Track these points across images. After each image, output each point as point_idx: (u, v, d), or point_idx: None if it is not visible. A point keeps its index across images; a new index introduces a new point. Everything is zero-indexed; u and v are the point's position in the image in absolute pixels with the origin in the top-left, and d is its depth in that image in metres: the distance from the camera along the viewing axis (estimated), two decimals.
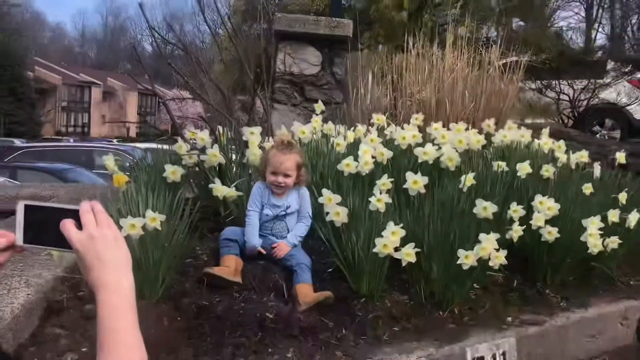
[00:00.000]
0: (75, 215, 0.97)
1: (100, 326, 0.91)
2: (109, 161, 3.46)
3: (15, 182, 7.94)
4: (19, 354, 2.15)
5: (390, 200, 2.90)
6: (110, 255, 0.95)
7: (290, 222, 2.93)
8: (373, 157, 3.30)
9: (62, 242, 0.96)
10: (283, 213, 2.90)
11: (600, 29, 32.30)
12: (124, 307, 0.93)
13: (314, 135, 3.70)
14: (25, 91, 35.76)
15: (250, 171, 3.45)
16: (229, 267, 2.68)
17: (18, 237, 1.00)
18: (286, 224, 2.92)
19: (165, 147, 3.88)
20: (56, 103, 46.83)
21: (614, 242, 3.25)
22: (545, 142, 4.02)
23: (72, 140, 29.98)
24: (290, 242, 2.87)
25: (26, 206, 0.99)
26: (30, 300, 2.29)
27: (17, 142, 24.37)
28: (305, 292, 2.63)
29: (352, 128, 3.84)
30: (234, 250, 2.79)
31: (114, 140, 32.45)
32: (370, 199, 2.88)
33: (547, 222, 3.12)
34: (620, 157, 4.05)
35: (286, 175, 2.84)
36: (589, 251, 3.12)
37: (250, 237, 2.85)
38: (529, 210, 3.19)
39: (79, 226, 0.96)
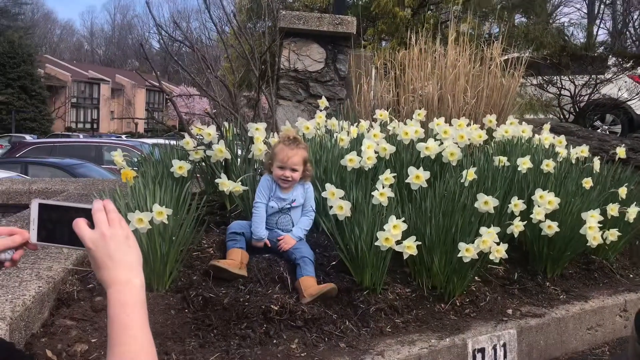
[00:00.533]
0: (87, 214, 0.98)
1: (111, 323, 0.92)
2: (118, 156, 3.47)
3: (26, 177, 7.98)
4: (30, 344, 2.17)
5: (392, 195, 2.91)
6: (121, 254, 0.96)
7: (295, 216, 2.94)
8: (376, 152, 3.30)
9: (75, 240, 0.97)
10: (288, 206, 2.91)
11: (601, 25, 32.12)
12: (135, 304, 0.94)
13: (318, 131, 3.70)
14: (36, 88, 35.90)
15: (256, 166, 3.46)
16: (235, 261, 2.69)
17: (32, 235, 1.01)
18: (291, 218, 2.93)
19: (173, 142, 3.89)
20: (66, 99, 47.00)
21: (613, 235, 3.25)
22: (546, 137, 4.01)
23: (81, 136, 30.12)
24: (296, 236, 2.88)
25: (40, 205, 1.01)
26: (41, 292, 2.30)
27: (28, 138, 24.53)
28: (309, 284, 2.64)
29: (356, 123, 3.83)
30: (241, 244, 2.80)
31: (123, 136, 32.59)
32: (372, 193, 2.88)
33: (547, 216, 3.11)
34: (620, 151, 4.04)
35: (293, 170, 2.86)
36: (588, 244, 3.12)
37: (257, 228, 2.86)
38: (530, 204, 3.19)
39: (91, 225, 0.97)
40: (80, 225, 0.97)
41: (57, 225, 1.00)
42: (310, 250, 2.84)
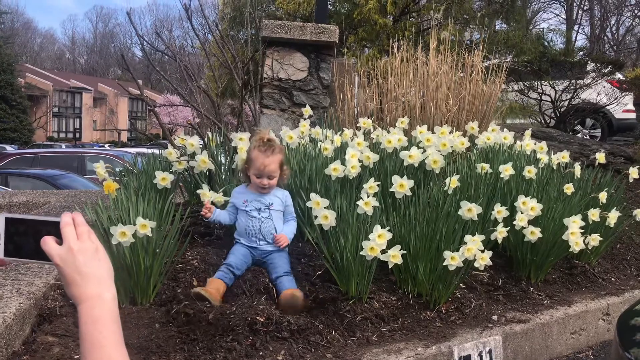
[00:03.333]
0: (56, 227, 0.96)
1: (83, 341, 0.90)
2: (100, 168, 3.44)
3: (7, 189, 7.86)
4: None
5: (377, 203, 2.91)
6: (90, 268, 0.94)
7: (277, 222, 2.92)
8: (360, 160, 3.30)
9: (44, 255, 0.95)
10: (267, 209, 2.89)
11: (580, 30, 32.64)
12: (107, 320, 0.91)
13: (302, 140, 3.70)
14: (16, 98, 35.47)
15: (240, 175, 3.45)
16: (216, 291, 2.62)
17: None
18: (273, 224, 2.90)
19: (156, 151, 3.87)
20: (47, 109, 46.51)
21: (594, 240, 3.28)
22: (527, 143, 4.06)
23: (63, 145, 29.81)
24: (289, 236, 2.89)
25: (7, 219, 0.98)
26: (22, 308, 2.26)
27: (9, 148, 24.20)
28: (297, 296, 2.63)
29: (339, 132, 3.84)
30: (229, 279, 2.72)
31: (106, 145, 32.32)
32: (357, 202, 2.88)
33: (530, 222, 3.14)
34: (600, 157, 4.09)
35: (269, 177, 2.86)
36: (570, 249, 3.15)
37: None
38: (513, 210, 3.21)
39: (60, 239, 0.95)
40: (47, 242, 0.95)
41: (25, 240, 0.98)
42: (288, 265, 2.83)
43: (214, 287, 2.62)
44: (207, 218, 2.93)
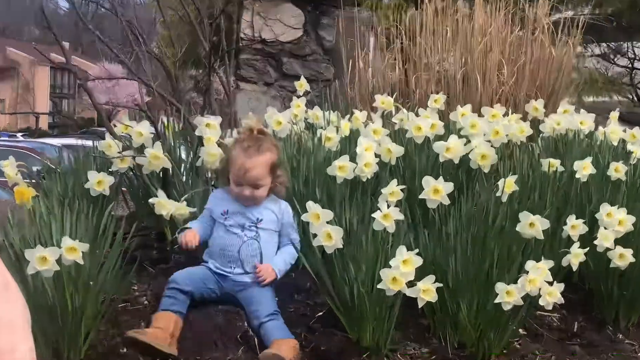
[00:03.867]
0: None
1: None
2: (10, 168, 3.45)
3: None
4: None
5: (401, 216, 2.91)
6: None
7: (265, 244, 2.90)
8: (377, 155, 3.31)
9: None
10: (253, 226, 2.87)
11: None
12: None
13: (295, 126, 3.71)
14: None
15: (208, 175, 3.45)
16: (164, 330, 2.59)
17: None
18: (260, 247, 2.89)
19: (89, 143, 3.88)
20: None
21: None
22: (613, 129, 4.05)
23: None
24: (277, 268, 2.86)
25: None
26: None
27: None
28: (293, 347, 2.64)
29: (348, 115, 3.85)
30: (180, 306, 2.72)
31: (18, 135, 32.39)
32: (373, 214, 2.89)
33: (617, 241, 3.14)
34: None
35: (255, 186, 2.84)
36: None
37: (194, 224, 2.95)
38: (593, 225, 3.21)
39: None
40: None
41: None
42: (273, 303, 2.83)
43: (162, 325, 2.60)
44: (190, 248, 2.88)
